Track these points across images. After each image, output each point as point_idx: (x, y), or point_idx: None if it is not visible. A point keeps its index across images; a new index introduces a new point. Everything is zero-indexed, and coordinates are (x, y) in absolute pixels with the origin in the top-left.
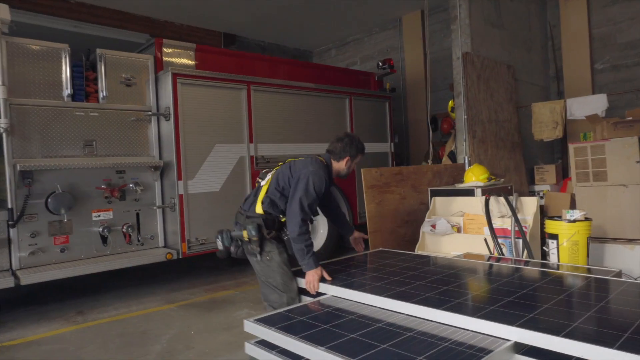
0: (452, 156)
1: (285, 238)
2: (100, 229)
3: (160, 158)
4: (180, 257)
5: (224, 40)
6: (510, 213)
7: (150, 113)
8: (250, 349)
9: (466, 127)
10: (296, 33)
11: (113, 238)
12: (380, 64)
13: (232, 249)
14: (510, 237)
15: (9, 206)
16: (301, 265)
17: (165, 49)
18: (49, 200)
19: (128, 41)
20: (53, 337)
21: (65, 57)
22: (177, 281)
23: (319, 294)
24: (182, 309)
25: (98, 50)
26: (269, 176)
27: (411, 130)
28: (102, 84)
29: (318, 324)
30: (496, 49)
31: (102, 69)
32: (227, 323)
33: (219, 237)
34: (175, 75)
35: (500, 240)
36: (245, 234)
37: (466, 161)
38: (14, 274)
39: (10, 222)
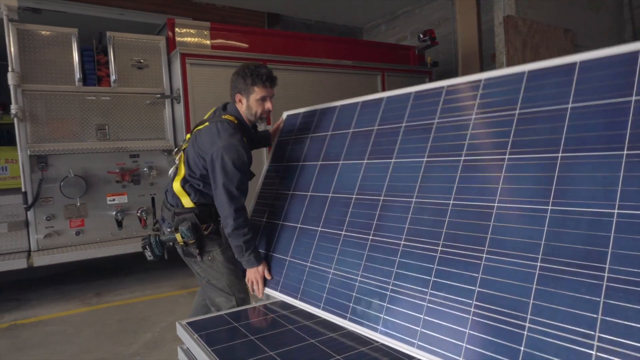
0: None
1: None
2: (114, 213)
3: (175, 142)
4: None
5: (268, 20)
6: None
7: (159, 96)
8: (180, 354)
9: None
10: (344, 9)
11: (128, 222)
12: (421, 36)
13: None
14: None
15: (23, 190)
16: (240, 261)
17: (178, 29)
18: (62, 184)
19: None
20: (61, 318)
21: (75, 42)
22: None
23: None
24: (191, 295)
25: (108, 33)
26: (177, 160)
27: None
28: (112, 67)
29: (247, 334)
30: (550, 10)
31: (111, 52)
32: None
33: (147, 248)
34: (183, 56)
35: None
36: (179, 237)
37: None
38: (29, 255)
39: (24, 206)
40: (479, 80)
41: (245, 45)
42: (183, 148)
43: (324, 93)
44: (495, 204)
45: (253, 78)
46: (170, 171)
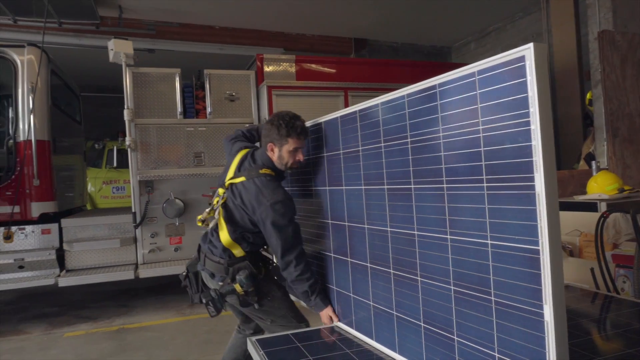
0: (591, 159)
1: (271, 268)
2: None
3: None
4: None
5: (355, 46)
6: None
7: (247, 125)
8: None
9: (605, 123)
10: (430, 30)
11: None
12: None
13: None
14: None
15: (133, 210)
16: (308, 306)
17: (266, 63)
18: (164, 205)
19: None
20: (159, 326)
21: (178, 80)
22: None
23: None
24: None
25: (205, 71)
26: (216, 215)
27: (563, 128)
28: (208, 101)
29: (306, 354)
30: None
31: (207, 87)
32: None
33: (211, 304)
34: (270, 88)
35: (623, 272)
36: (238, 287)
37: (594, 167)
38: (136, 268)
39: (134, 224)
40: (377, 105)
41: (329, 72)
42: (221, 204)
43: None
44: (416, 232)
45: (288, 130)
46: (210, 226)
